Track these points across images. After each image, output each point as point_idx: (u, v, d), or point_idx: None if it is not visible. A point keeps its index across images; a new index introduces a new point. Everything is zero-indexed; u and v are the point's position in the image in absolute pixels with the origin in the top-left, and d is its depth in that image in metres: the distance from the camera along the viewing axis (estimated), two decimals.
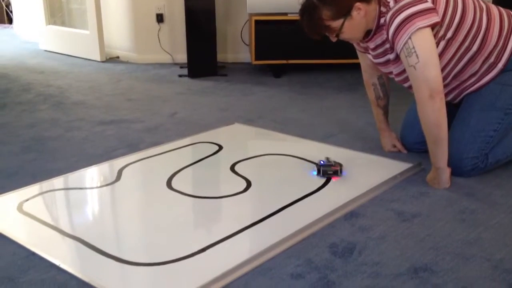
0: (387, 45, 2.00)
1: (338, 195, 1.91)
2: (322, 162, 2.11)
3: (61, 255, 1.55)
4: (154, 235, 1.68)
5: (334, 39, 2.03)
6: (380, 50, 2.05)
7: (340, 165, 2.10)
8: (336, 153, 2.37)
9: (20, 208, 1.85)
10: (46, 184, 2.07)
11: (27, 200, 1.92)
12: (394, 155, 2.33)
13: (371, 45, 2.07)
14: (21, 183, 2.06)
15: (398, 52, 1.91)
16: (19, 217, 1.79)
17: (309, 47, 3.87)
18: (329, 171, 2.08)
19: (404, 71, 2.00)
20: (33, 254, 1.55)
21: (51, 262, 1.51)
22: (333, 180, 2.06)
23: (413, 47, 1.84)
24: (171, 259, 1.51)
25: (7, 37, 6.01)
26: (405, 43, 1.86)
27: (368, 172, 2.15)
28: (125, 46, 4.69)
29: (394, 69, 2.07)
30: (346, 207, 1.82)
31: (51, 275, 1.45)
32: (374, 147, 2.43)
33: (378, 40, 2.02)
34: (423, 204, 1.86)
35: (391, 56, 2.02)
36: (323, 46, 3.82)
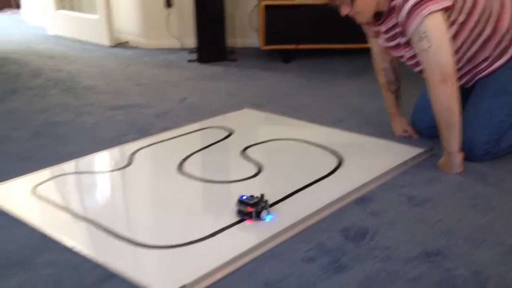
0: (398, 29, 1.98)
1: (349, 180, 1.90)
2: (242, 197, 1.66)
3: (74, 237, 1.57)
4: (165, 218, 1.69)
5: (346, 10, 1.96)
6: (391, 33, 2.04)
7: (262, 207, 1.64)
8: (346, 138, 2.37)
9: (33, 192, 1.87)
10: (58, 168, 2.08)
11: (40, 184, 1.93)
12: (405, 140, 2.33)
13: (383, 28, 2.05)
14: (34, 167, 2.07)
15: (410, 37, 1.90)
16: (32, 201, 1.81)
17: (319, 32, 3.85)
18: (243, 210, 1.65)
19: (416, 55, 1.98)
20: (47, 237, 1.57)
21: (64, 244, 1.52)
22: (247, 223, 1.63)
23: (425, 32, 1.83)
24: (182, 242, 1.52)
25: (15, 23, 6.02)
26: (417, 28, 1.84)
27: (378, 157, 2.15)
28: (133, 31, 4.68)
29: (406, 52, 2.05)
30: (357, 192, 1.82)
31: (65, 257, 1.47)
32: (384, 132, 2.42)
33: (390, 23, 2.00)
34: (434, 189, 1.86)
35: (402, 40, 2.00)
36: (333, 31, 3.81)
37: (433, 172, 1.99)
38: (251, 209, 1.64)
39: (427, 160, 2.11)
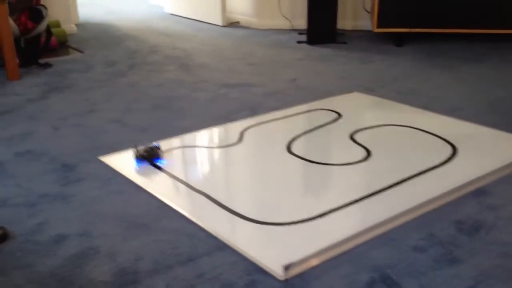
0: None
1: (465, 171, 1.83)
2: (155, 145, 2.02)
3: (190, 208, 1.65)
4: (275, 196, 1.73)
5: None
6: None
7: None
8: (461, 128, 2.27)
9: (152, 162, 1.98)
10: (175, 141, 2.19)
11: None
12: None
13: None
14: (152, 138, 2.20)
15: None
16: (151, 170, 1.92)
17: (434, 15, 3.68)
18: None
19: None
20: (165, 204, 1.67)
21: (181, 213, 1.61)
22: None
23: None
24: (291, 221, 1.55)
25: (135, 1, 6.34)
26: None
27: (498, 149, 2.03)
28: (245, 11, 4.76)
29: None
30: (473, 183, 1.74)
31: (181, 225, 1.55)
32: (504, 123, 2.28)
33: None
34: None
35: None
36: (449, 14, 3.63)
37: None
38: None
39: None
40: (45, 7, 3.46)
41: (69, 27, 4.30)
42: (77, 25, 4.62)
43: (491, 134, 2.19)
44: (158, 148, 2.00)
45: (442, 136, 2.15)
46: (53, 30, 3.68)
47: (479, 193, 1.70)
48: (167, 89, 2.90)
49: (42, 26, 3.40)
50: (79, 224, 1.57)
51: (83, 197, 1.73)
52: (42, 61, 3.41)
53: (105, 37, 4.29)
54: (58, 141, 2.20)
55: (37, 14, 3.39)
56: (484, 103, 2.58)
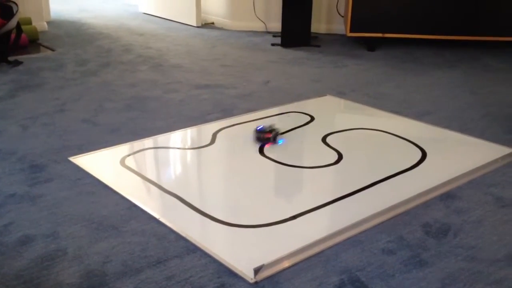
0: None
1: (433, 175, 1.86)
2: (258, 127, 2.17)
3: (160, 209, 1.64)
4: (247, 198, 1.73)
5: None
6: None
7: (276, 133, 2.14)
8: (430, 132, 2.30)
9: (122, 162, 1.96)
10: (146, 142, 2.17)
11: (129, 155, 2.03)
12: (495, 138, 2.23)
13: None
14: (124, 138, 2.18)
15: None
16: (121, 171, 1.90)
17: (407, 20, 3.74)
18: (262, 137, 2.13)
19: None
20: (135, 206, 1.65)
21: (150, 214, 1.60)
22: (266, 147, 2.11)
23: None
24: (263, 223, 1.55)
25: None
26: None
27: (466, 153, 2.07)
28: (220, 12, 4.75)
29: None
30: (442, 187, 1.77)
31: (151, 226, 1.54)
32: (473, 129, 2.33)
33: None
34: None
35: None
36: (421, 20, 3.69)
37: None
38: (270, 134, 2.10)
39: None
40: (16, 4, 3.39)
41: (40, 25, 4.23)
42: (49, 22, 4.55)
43: (459, 139, 2.23)
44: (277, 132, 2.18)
45: (412, 140, 2.19)
46: (24, 27, 3.61)
47: (447, 197, 1.73)
48: (139, 89, 2.87)
49: (12, 23, 3.33)
50: (47, 225, 1.54)
51: (51, 197, 1.70)
52: (11, 58, 3.34)
53: (77, 35, 4.24)
54: (27, 141, 2.16)
55: (7, 11, 3.32)
56: (453, 108, 2.63)
